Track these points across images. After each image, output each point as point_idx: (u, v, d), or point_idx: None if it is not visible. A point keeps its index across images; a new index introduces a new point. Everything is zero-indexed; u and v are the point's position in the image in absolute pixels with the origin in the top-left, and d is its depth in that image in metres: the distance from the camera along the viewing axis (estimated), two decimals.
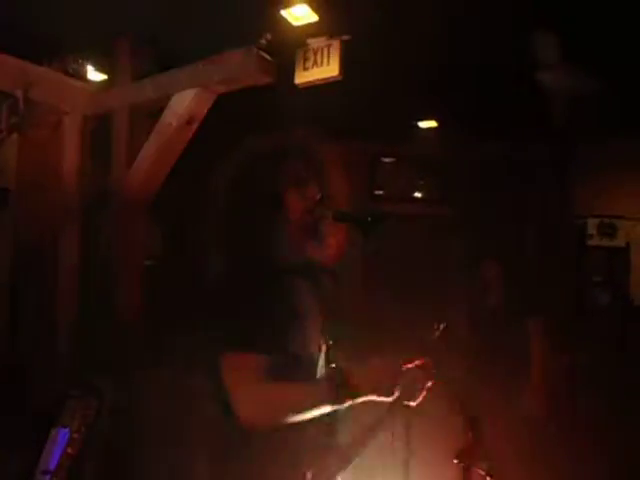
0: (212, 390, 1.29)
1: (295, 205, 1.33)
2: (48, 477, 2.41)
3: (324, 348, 1.34)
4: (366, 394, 1.20)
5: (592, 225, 5.14)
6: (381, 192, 5.47)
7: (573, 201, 5.10)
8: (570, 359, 2.86)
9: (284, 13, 2.96)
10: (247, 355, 1.18)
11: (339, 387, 1.17)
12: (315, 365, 1.31)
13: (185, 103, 2.67)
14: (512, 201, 4.61)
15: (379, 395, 1.22)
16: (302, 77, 3.20)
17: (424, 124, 4.92)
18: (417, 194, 5.49)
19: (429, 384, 1.35)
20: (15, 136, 3.10)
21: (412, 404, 1.31)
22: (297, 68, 3.21)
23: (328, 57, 3.10)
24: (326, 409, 1.18)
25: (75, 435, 2.47)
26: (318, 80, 3.16)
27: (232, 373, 1.19)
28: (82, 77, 3.27)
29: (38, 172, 3.23)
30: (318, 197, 1.35)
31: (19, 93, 2.78)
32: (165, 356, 2.64)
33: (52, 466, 2.43)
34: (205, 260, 1.30)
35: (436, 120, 4.86)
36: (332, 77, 3.11)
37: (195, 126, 2.76)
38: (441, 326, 1.44)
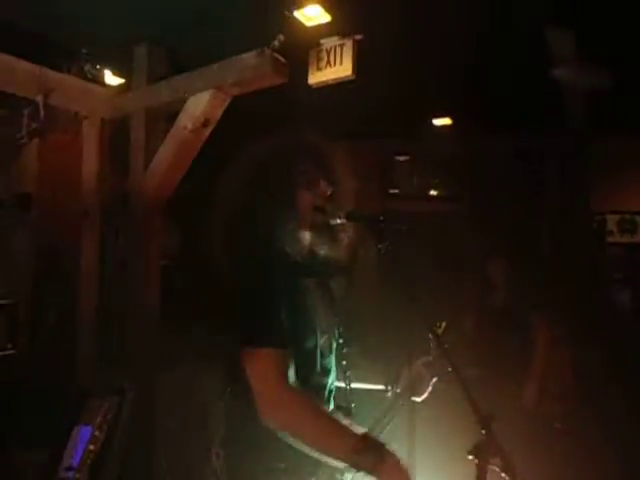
0: (228, 388, 1.31)
1: (306, 203, 1.34)
2: (72, 473, 2.46)
3: (334, 345, 1.35)
4: None
5: (612, 221, 5.06)
6: (396, 190, 5.47)
7: (592, 197, 5.03)
8: (586, 356, 2.83)
9: (297, 14, 2.98)
10: (266, 350, 1.19)
11: (370, 458, 1.11)
12: (327, 361, 1.32)
13: (200, 106, 2.70)
14: (529, 198, 4.57)
15: None
16: (316, 77, 3.21)
17: (439, 122, 4.90)
18: (432, 192, 5.47)
19: (435, 380, 1.36)
20: (36, 141, 3.18)
21: (418, 400, 1.32)
22: (311, 68, 3.22)
23: (341, 57, 3.11)
24: (337, 462, 1.13)
25: (97, 433, 2.52)
26: (332, 80, 3.17)
27: (254, 369, 1.20)
28: (100, 82, 3.33)
29: (58, 176, 3.30)
30: (328, 195, 1.37)
31: (39, 99, 2.84)
32: (183, 354, 2.68)
33: (75, 463, 2.49)
34: (218, 259, 1.32)
35: (451, 117, 4.83)
36: (345, 77, 3.12)
37: (210, 128, 2.79)
38: (442, 324, 1.45)
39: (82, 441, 2.49)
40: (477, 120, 4.45)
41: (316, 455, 1.14)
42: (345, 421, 1.21)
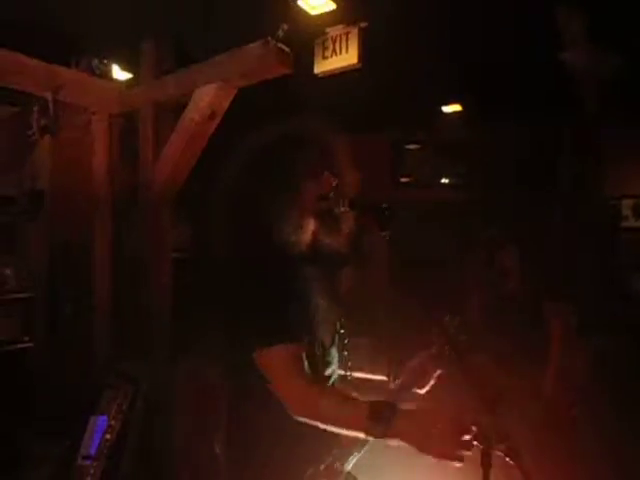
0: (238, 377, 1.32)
1: (310, 194, 1.34)
2: (89, 462, 2.52)
3: (336, 336, 1.35)
4: (411, 444, 1.08)
5: (626, 206, 4.99)
6: (407, 179, 5.44)
7: (606, 182, 4.95)
8: (598, 345, 2.80)
9: (301, 3, 2.97)
10: (281, 347, 1.19)
11: (382, 422, 1.09)
12: (329, 352, 1.33)
13: (206, 98, 2.71)
14: (541, 184, 4.51)
15: (426, 452, 1.07)
16: (322, 66, 3.19)
17: (448, 108, 4.85)
18: (443, 180, 5.43)
19: (438, 372, 1.35)
20: (47, 138, 3.22)
21: (420, 392, 1.32)
22: (316, 57, 3.20)
23: (347, 45, 3.09)
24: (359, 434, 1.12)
25: (113, 422, 2.58)
26: (338, 69, 3.15)
27: (270, 366, 1.20)
28: (108, 77, 3.35)
29: (70, 172, 3.35)
30: (333, 185, 1.36)
31: (49, 96, 2.87)
32: (194, 346, 2.72)
33: (93, 452, 2.55)
34: (225, 252, 1.33)
35: (460, 104, 4.78)
36: (351, 65, 3.10)
37: (217, 120, 2.80)
38: (456, 319, 1.45)
39: (98, 431, 2.55)
40: (488, 106, 4.40)
41: (334, 431, 1.16)
42: (354, 394, 1.22)
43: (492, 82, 3.96)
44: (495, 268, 2.70)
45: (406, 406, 1.15)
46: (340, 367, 1.39)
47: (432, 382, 1.43)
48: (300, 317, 1.23)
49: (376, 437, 1.11)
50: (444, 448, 1.05)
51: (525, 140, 4.77)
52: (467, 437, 1.06)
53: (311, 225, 1.34)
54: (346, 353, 1.37)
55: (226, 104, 2.76)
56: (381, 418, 1.09)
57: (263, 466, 1.25)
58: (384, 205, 1.38)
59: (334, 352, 1.34)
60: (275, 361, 1.20)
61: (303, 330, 1.23)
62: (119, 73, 3.46)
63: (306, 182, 1.35)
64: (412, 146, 5.49)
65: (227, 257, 1.36)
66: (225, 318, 1.35)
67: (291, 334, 1.20)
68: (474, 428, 1.07)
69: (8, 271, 3.52)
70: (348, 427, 1.14)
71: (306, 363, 1.21)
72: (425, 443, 1.06)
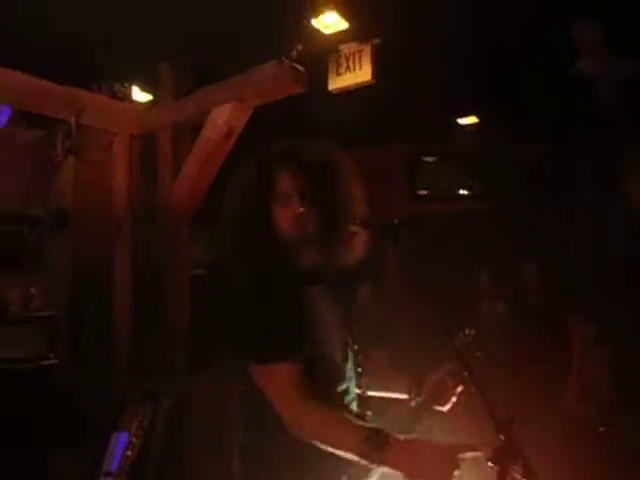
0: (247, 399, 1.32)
1: (282, 218, 1.30)
2: (110, 478, 2.55)
3: (350, 352, 1.35)
4: (403, 473, 1.11)
5: None
6: (424, 192, 5.42)
7: (628, 193, 4.86)
8: (623, 357, 2.74)
9: (314, 22, 3.02)
10: (282, 366, 1.19)
11: (378, 450, 1.11)
12: (342, 369, 1.32)
13: (223, 117, 2.77)
14: (559, 197, 4.46)
15: None
16: (335, 83, 3.23)
17: (465, 120, 4.84)
18: (461, 192, 5.40)
19: (459, 389, 1.34)
20: (71, 159, 3.32)
21: (443, 409, 1.31)
22: (330, 74, 3.24)
23: (360, 62, 3.12)
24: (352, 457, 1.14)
25: (134, 439, 2.61)
26: (351, 85, 3.19)
27: (271, 385, 1.21)
28: (128, 99, 3.45)
29: (92, 192, 3.43)
30: (300, 212, 1.29)
31: (72, 119, 2.97)
32: (212, 362, 2.74)
33: (114, 468, 2.57)
34: (233, 268, 1.34)
35: (477, 116, 4.77)
36: (365, 82, 3.13)
37: (234, 139, 2.86)
38: (471, 332, 1.43)
39: (120, 447, 2.58)
40: (504, 118, 4.38)
41: (332, 451, 1.16)
42: (358, 421, 1.22)
43: (508, 94, 3.95)
44: (514, 281, 2.67)
45: (403, 436, 1.16)
46: (356, 384, 1.38)
47: (454, 399, 1.42)
48: (301, 334, 1.23)
49: (372, 463, 1.13)
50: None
51: (542, 149, 4.72)
52: (456, 473, 1.09)
53: (307, 244, 1.30)
54: (360, 369, 1.36)
55: (242, 123, 2.82)
56: (377, 446, 1.11)
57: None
58: (395, 221, 1.38)
59: (348, 368, 1.34)
60: (273, 378, 1.21)
61: (303, 347, 1.22)
62: (138, 95, 3.55)
63: (274, 205, 1.31)
64: (429, 158, 5.48)
65: (235, 274, 1.36)
66: (230, 335, 1.35)
67: (294, 353, 1.20)
68: (482, 452, 1.10)
69: (33, 289, 3.61)
70: (345, 450, 1.15)
71: (311, 379, 1.21)
72: (416, 475, 1.10)
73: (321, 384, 1.23)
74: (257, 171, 1.34)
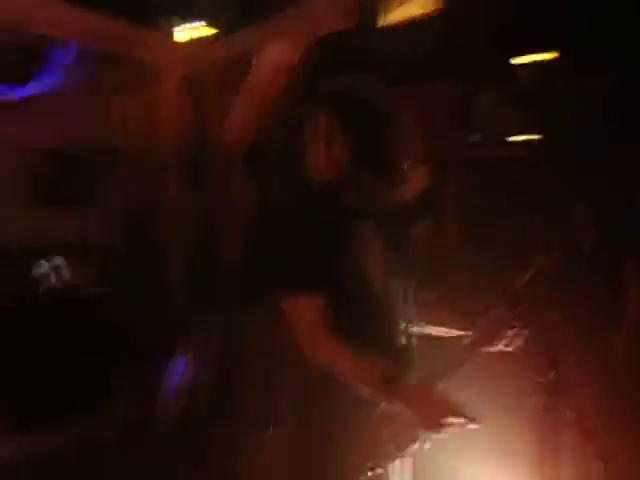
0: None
1: (315, 162, 1.31)
2: (170, 402, 2.75)
3: (400, 290, 1.35)
4: (409, 409, 1.17)
5: None
6: (476, 137, 5.22)
7: None
8: None
9: None
10: (303, 297, 1.22)
11: (392, 382, 1.17)
12: (385, 304, 1.33)
13: (274, 54, 2.71)
14: (624, 139, 4.20)
15: (417, 421, 1.18)
16: (396, 14, 3.00)
17: (522, 59, 4.56)
18: (515, 137, 5.17)
19: (510, 332, 1.34)
20: (122, 96, 3.36)
21: (491, 350, 1.32)
22: (391, 4, 3.00)
23: None
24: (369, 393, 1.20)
25: (190, 365, 2.78)
26: (417, 16, 2.96)
27: (294, 316, 1.24)
28: (179, 37, 3.41)
29: (143, 130, 3.48)
30: (344, 156, 1.28)
31: (123, 54, 2.97)
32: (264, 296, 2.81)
33: (173, 392, 2.77)
34: (277, 201, 1.34)
35: (535, 53, 4.48)
36: (433, 10, 2.90)
37: (285, 76, 2.81)
38: (525, 276, 1.41)
39: (179, 372, 2.75)
40: (566, 55, 4.10)
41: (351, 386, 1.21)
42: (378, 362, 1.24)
43: (570, 27, 3.67)
44: (571, 225, 2.60)
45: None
46: (407, 322, 1.40)
47: (505, 341, 1.42)
48: (330, 268, 1.23)
49: (384, 394, 1.18)
50: (429, 421, 1.16)
51: (606, 92, 4.42)
52: (452, 419, 1.14)
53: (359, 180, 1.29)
54: (409, 305, 1.37)
55: (294, 59, 2.75)
56: (392, 379, 1.16)
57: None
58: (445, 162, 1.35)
59: (394, 304, 1.35)
60: (295, 310, 1.23)
61: (332, 281, 1.23)
62: (189, 33, 3.51)
63: (310, 151, 1.31)
64: (482, 100, 5.24)
65: (281, 208, 1.38)
66: (270, 268, 1.38)
67: (319, 288, 1.22)
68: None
69: (90, 222, 3.75)
70: (361, 381, 1.20)
71: (342, 314, 1.22)
72: (417, 412, 1.17)
73: (357, 319, 1.25)
74: (299, 112, 1.35)
